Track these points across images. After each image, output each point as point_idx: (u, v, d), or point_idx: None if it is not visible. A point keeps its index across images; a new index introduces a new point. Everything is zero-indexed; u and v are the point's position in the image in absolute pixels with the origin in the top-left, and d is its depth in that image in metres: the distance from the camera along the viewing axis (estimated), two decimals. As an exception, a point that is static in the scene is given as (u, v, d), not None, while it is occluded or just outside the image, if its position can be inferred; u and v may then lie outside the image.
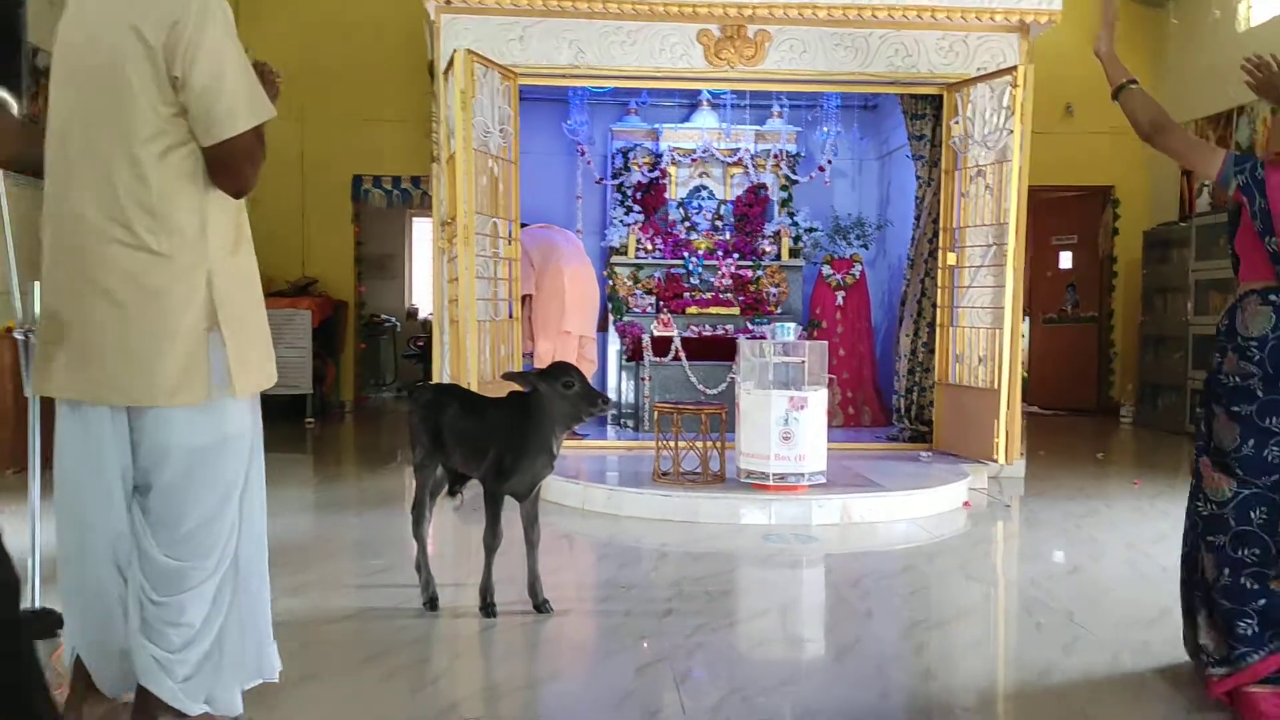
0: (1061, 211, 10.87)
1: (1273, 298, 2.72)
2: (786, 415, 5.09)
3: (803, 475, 5.16)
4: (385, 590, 3.84)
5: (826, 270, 7.82)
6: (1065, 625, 3.55)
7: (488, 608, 3.49)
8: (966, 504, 5.62)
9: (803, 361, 5.14)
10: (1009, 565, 4.70)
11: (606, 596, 3.94)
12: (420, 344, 11.56)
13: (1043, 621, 3.62)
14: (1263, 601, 2.66)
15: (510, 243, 6.35)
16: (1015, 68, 6.02)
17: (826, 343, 5.44)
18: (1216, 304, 8.69)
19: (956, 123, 6.45)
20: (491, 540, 3.50)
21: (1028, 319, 11.73)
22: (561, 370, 3.48)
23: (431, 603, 3.57)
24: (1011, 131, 5.95)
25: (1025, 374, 11.70)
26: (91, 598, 2.25)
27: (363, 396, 11.07)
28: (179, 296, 2.15)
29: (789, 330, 5.42)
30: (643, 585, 4.04)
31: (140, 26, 2.07)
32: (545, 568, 3.69)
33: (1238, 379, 2.74)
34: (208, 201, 2.19)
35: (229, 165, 2.17)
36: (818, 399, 5.16)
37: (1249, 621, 2.66)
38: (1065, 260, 11.22)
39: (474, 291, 5.73)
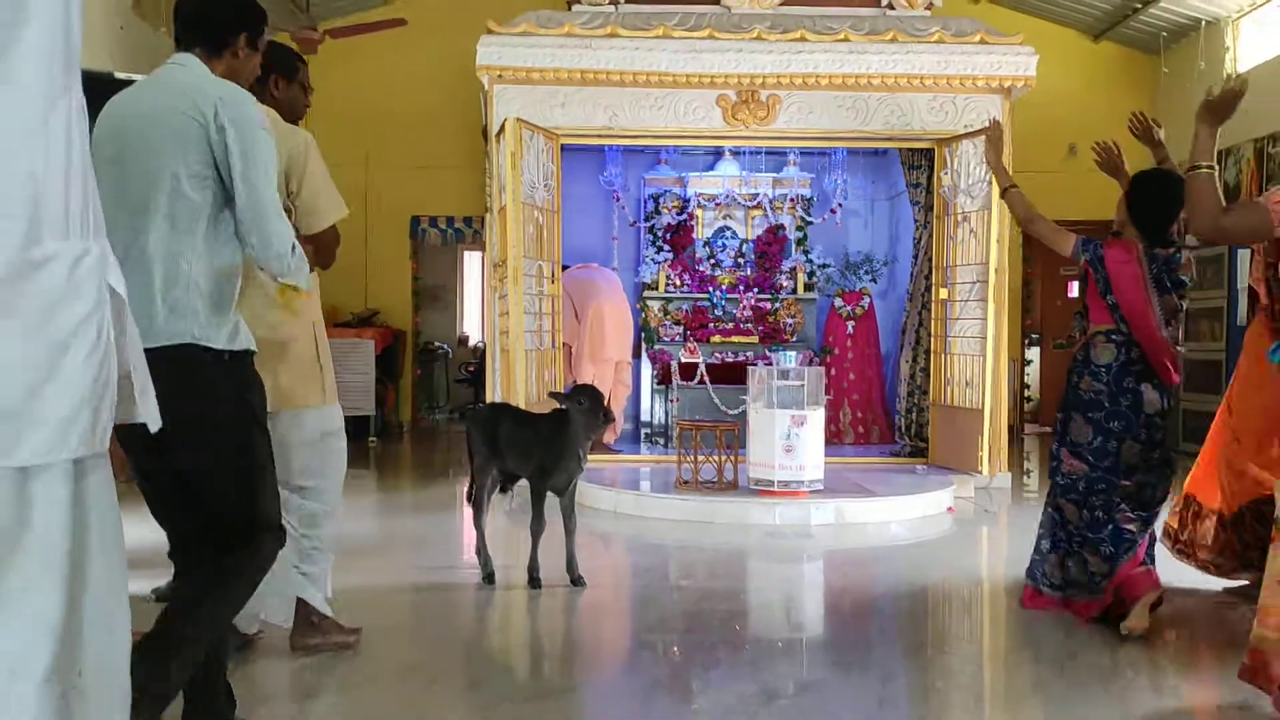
0: (1068, 244, 11.59)
1: (1114, 337, 3.69)
2: (789, 431, 5.94)
3: (803, 482, 6.00)
4: (447, 570, 4.74)
5: (838, 302, 8.67)
6: (1006, 603, 4.38)
7: (534, 581, 4.37)
8: (950, 509, 6.41)
9: (802, 385, 5.99)
10: (976, 558, 5.51)
11: (629, 576, 4.81)
12: (471, 369, 12.50)
13: (993, 600, 4.43)
14: (1110, 528, 3.70)
15: (553, 281, 7.27)
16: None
17: (823, 369, 6.29)
18: (1205, 330, 9.39)
19: (946, 174, 7.29)
20: (537, 526, 4.39)
21: (1039, 345, 12.47)
22: (579, 391, 4.39)
23: (489, 578, 4.46)
24: (991, 183, 6.78)
25: (1036, 396, 12.45)
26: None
27: (419, 418, 12.05)
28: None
29: (791, 358, 6.26)
30: (660, 569, 4.91)
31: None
32: (581, 556, 4.55)
33: (1091, 394, 3.67)
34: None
35: (323, 248, 3.08)
36: (816, 417, 6.01)
37: (1105, 543, 3.70)
38: (1074, 289, 11.95)
39: (522, 325, 6.65)
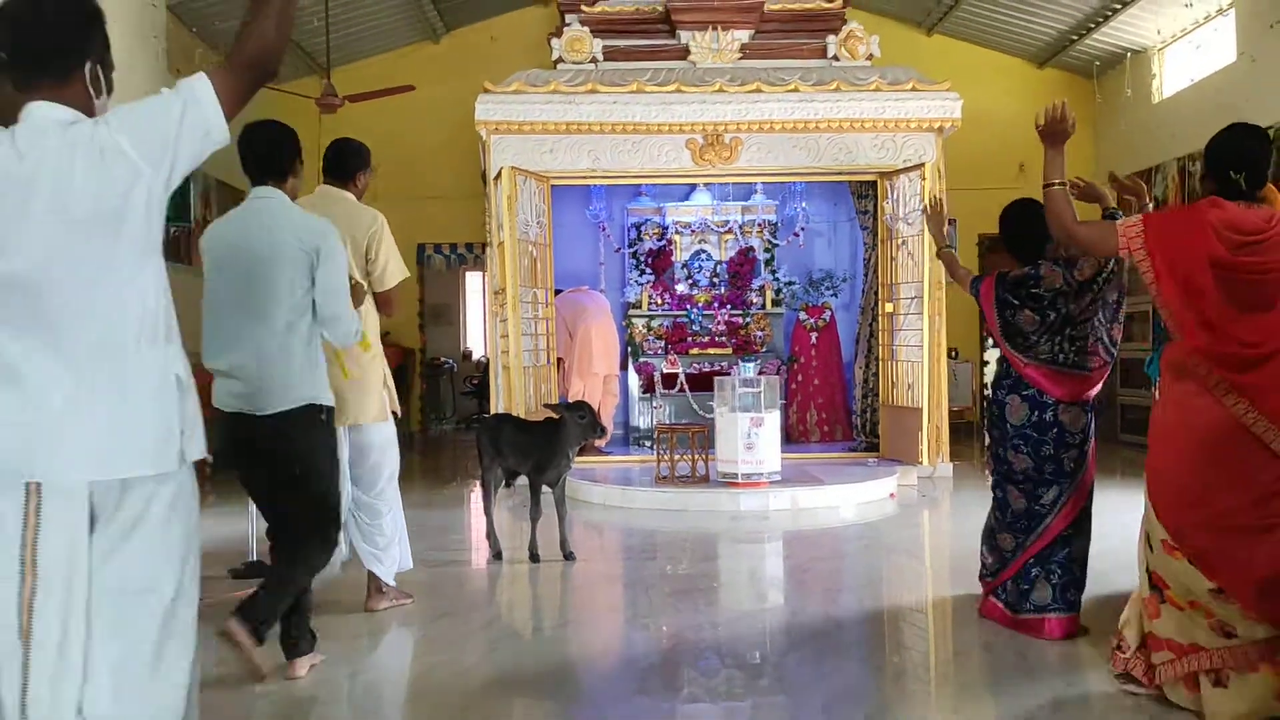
0: (1020, 255, 12.63)
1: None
2: (749, 431, 6.97)
3: (762, 474, 7.02)
4: (464, 551, 5.77)
5: (802, 316, 9.70)
6: (926, 566, 5.41)
7: (534, 557, 5.40)
8: (893, 495, 7.43)
9: (760, 391, 7.02)
10: (912, 535, 6.52)
11: (614, 552, 5.84)
12: (475, 382, 13.52)
13: (919, 566, 5.47)
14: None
15: (546, 306, 8.31)
16: (924, 165, 7.88)
17: (785, 377, 7.30)
18: (1138, 332, 10.43)
19: (888, 203, 8.33)
20: (535, 513, 5.42)
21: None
22: (579, 405, 5.43)
23: (498, 555, 5.49)
24: (921, 213, 7.81)
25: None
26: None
27: (425, 428, 13.09)
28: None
29: (750, 368, 7.30)
30: (640, 547, 5.93)
31: (353, 234, 4.04)
32: (573, 538, 5.56)
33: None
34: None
35: (389, 301, 4.16)
36: (772, 418, 7.04)
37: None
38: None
39: (520, 345, 7.69)
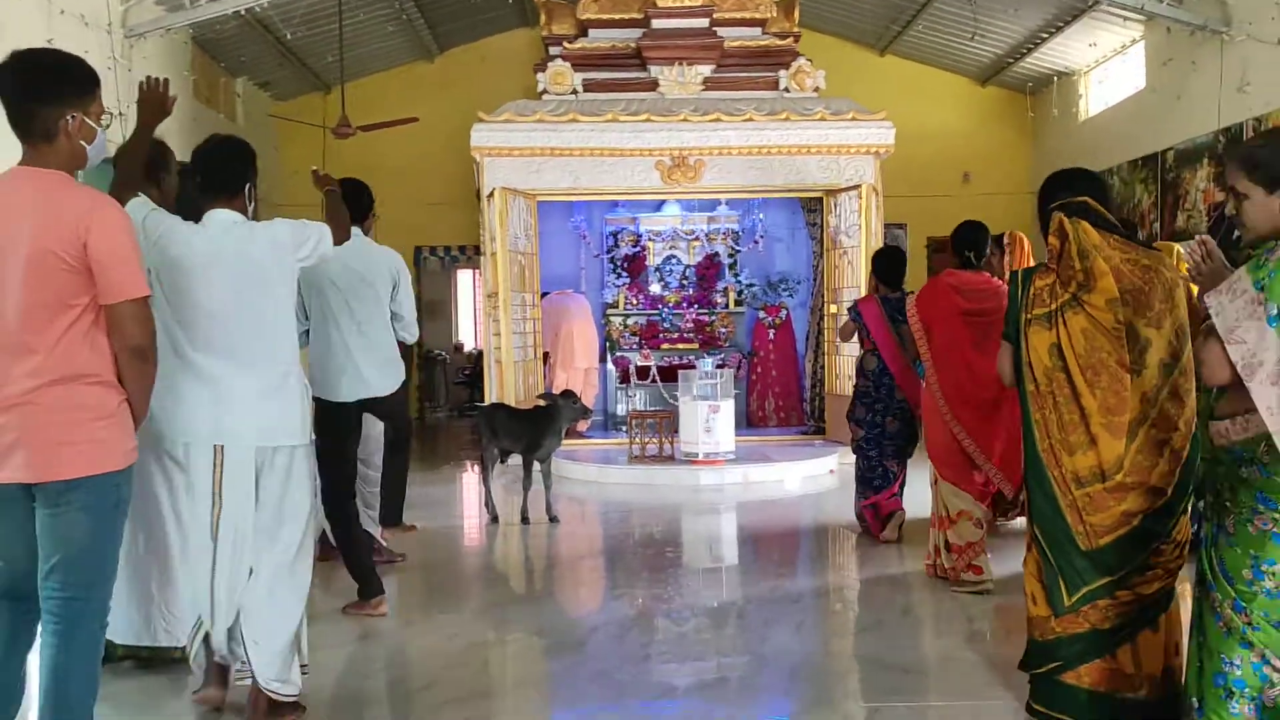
0: (965, 256, 13.87)
1: (876, 354, 5.78)
2: (707, 416, 8.17)
3: (719, 453, 8.22)
4: (465, 517, 6.95)
5: (762, 314, 10.90)
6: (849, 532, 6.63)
7: (524, 519, 6.59)
8: (832, 471, 8.64)
9: (716, 383, 8.22)
10: (845, 504, 7.73)
11: (592, 517, 7.04)
12: (467, 373, 14.65)
13: (848, 529, 6.69)
14: (880, 469, 5.89)
15: (534, 307, 9.47)
16: (860, 185, 9.07)
17: (744, 369, 8.46)
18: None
19: (833, 216, 9.52)
20: (526, 483, 6.62)
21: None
22: (568, 394, 6.64)
23: (494, 519, 6.68)
24: (860, 227, 9.01)
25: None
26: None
27: (422, 415, 14.23)
28: None
29: (709, 363, 8.49)
30: (614, 514, 7.13)
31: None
32: (557, 507, 6.74)
33: (863, 388, 5.85)
34: None
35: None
36: (727, 405, 8.24)
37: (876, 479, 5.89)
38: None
39: (510, 342, 8.86)
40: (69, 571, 2.57)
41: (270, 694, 3.21)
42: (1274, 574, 2.51)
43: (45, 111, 2.59)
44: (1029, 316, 3.16)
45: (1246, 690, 2.55)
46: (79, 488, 2.53)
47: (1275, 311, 2.41)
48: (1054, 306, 3.12)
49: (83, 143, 2.64)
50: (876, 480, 5.93)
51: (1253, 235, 2.61)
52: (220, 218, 3.19)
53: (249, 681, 3.25)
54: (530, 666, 4.26)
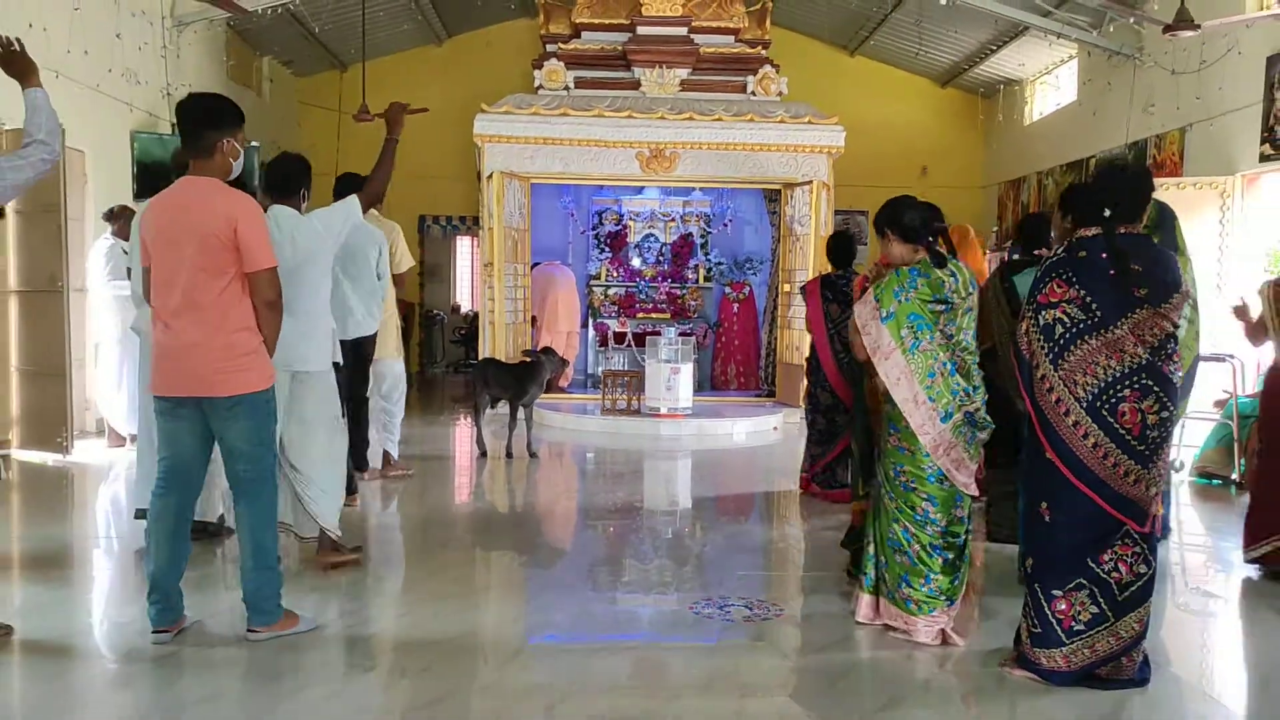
0: (921, 242, 15.20)
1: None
2: (669, 377, 9.54)
3: (678, 408, 9.60)
4: (459, 452, 8.34)
5: (728, 290, 12.25)
6: (793, 474, 8.04)
7: (509, 454, 7.98)
8: (775, 428, 10.03)
9: (677, 348, 9.59)
10: (786, 458, 9.12)
11: (567, 456, 8.44)
12: (463, 332, 15.99)
13: (788, 476, 8.10)
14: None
15: (524, 276, 10.80)
16: (812, 182, 10.40)
17: (694, 338, 9.82)
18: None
19: (789, 207, 10.85)
20: (512, 425, 8.01)
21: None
22: (548, 350, 8.03)
23: (484, 454, 8.06)
24: (812, 216, 10.34)
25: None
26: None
27: (423, 370, 15.58)
28: None
29: (672, 332, 9.84)
30: (586, 453, 8.53)
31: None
32: (539, 449, 8.13)
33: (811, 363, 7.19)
34: None
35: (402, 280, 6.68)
36: (686, 368, 9.61)
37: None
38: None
39: (503, 306, 10.20)
40: (246, 459, 3.77)
41: (332, 535, 4.70)
42: (895, 468, 3.96)
43: (211, 134, 3.65)
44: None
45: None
46: (241, 403, 3.72)
47: (884, 314, 3.85)
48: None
49: (231, 159, 3.74)
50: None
51: (894, 264, 4.02)
52: (282, 212, 4.51)
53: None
54: (510, 572, 5.66)
